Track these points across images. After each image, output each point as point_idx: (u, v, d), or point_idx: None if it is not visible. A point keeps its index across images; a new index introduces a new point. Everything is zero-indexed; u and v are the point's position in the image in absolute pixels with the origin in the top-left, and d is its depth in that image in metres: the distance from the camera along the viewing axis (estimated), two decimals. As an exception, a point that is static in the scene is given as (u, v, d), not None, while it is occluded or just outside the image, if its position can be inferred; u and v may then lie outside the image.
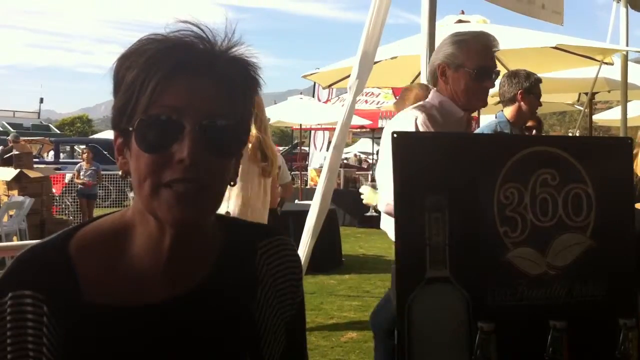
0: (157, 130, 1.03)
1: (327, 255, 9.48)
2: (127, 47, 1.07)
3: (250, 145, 4.58)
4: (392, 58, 7.01)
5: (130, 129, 1.05)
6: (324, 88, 10.72)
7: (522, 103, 4.58)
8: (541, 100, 4.71)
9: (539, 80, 4.67)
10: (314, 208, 5.11)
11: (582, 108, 10.67)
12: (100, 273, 1.10)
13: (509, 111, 4.62)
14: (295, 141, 25.83)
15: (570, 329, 1.51)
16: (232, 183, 1.13)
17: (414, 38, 6.75)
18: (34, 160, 14.81)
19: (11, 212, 10.79)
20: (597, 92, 9.32)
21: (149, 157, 1.03)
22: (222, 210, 1.30)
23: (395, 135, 1.58)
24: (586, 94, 9.17)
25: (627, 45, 7.67)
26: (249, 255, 1.24)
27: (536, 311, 1.63)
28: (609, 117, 13.80)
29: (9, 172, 11.94)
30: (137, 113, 1.03)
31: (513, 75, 4.69)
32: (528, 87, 4.58)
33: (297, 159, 22.30)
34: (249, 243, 1.25)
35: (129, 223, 1.14)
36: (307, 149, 24.82)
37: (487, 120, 5.96)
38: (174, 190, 1.02)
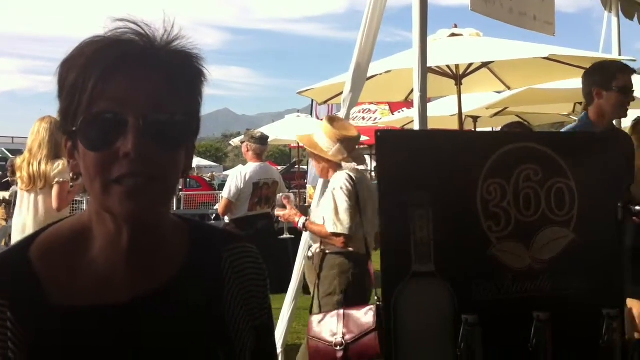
0: (101, 127, 1.03)
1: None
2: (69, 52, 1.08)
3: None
4: (386, 72, 7.04)
5: (74, 129, 1.05)
6: (320, 104, 10.77)
7: (600, 100, 4.10)
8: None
9: (623, 70, 4.14)
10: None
11: (577, 118, 10.70)
12: (62, 275, 1.10)
13: (591, 111, 4.18)
14: (294, 159, 25.81)
15: (554, 321, 1.53)
16: (185, 175, 1.14)
17: (408, 52, 6.78)
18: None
19: (9, 237, 10.77)
20: (592, 102, 9.35)
21: (95, 156, 1.04)
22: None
23: (379, 134, 1.60)
24: (581, 104, 9.19)
25: (619, 54, 7.70)
26: (214, 257, 1.24)
27: (521, 304, 1.65)
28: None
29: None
30: (80, 113, 1.04)
31: (588, 71, 4.27)
32: (601, 81, 4.09)
33: (296, 177, 22.28)
34: (214, 246, 1.25)
35: (86, 225, 1.14)
36: (305, 167, 24.78)
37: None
38: (123, 185, 1.03)
